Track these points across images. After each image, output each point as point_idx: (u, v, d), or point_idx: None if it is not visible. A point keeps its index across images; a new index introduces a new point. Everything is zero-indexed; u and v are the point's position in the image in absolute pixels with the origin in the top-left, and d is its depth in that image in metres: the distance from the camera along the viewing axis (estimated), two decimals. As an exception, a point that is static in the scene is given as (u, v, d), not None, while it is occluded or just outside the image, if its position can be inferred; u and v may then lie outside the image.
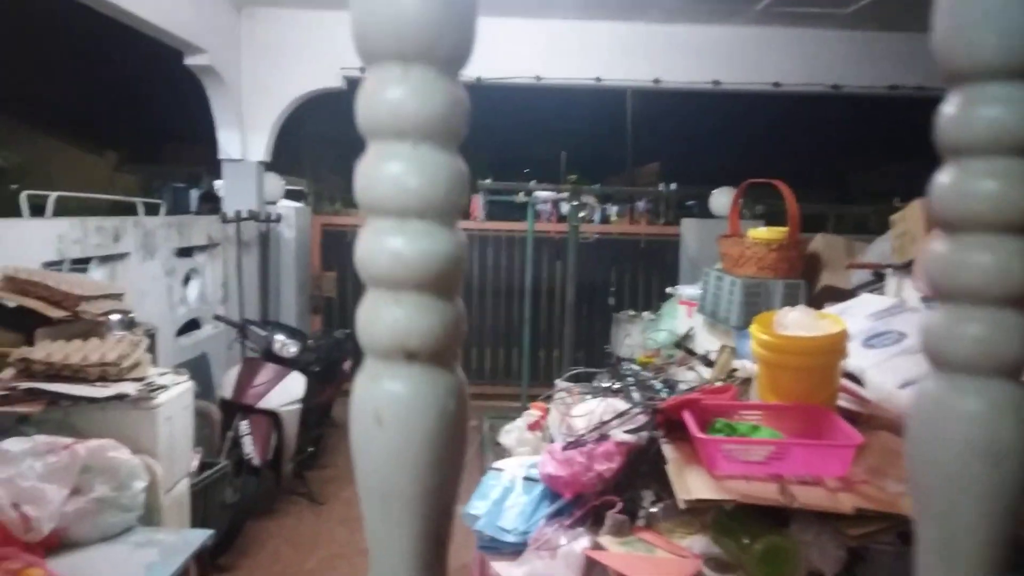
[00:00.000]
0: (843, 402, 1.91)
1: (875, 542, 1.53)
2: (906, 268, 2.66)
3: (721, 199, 5.66)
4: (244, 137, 5.29)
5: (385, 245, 0.24)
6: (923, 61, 5.29)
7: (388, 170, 0.24)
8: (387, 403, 0.23)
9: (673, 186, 5.44)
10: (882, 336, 2.08)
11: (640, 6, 5.00)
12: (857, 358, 2.02)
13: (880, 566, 1.54)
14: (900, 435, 1.74)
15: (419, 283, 0.24)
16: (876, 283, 3.01)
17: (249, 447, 3.57)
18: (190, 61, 4.73)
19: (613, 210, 7.74)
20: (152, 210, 6.49)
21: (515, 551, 1.85)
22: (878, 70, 5.31)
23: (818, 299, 3.04)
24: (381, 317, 0.24)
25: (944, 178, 0.26)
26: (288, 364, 3.98)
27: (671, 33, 5.36)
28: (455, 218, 0.25)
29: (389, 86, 0.24)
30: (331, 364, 4.56)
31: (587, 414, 2.08)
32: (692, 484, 1.66)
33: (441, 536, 0.25)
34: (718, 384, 2.29)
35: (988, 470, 0.26)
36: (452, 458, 0.25)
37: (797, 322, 1.98)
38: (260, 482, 3.65)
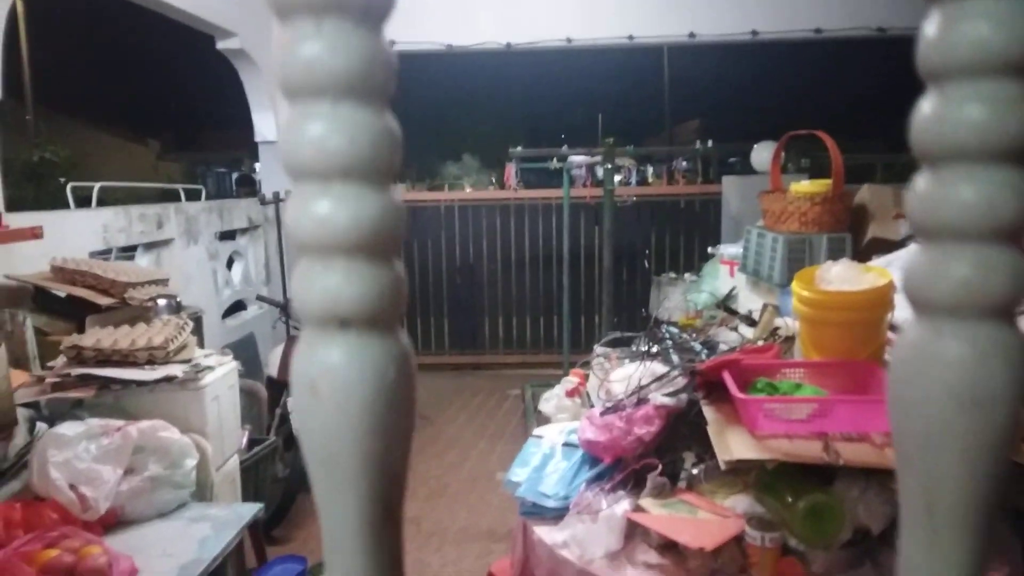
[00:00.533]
0: (891, 357, 1.84)
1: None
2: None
3: (763, 154, 5.49)
4: (278, 119, 5.34)
5: (310, 210, 0.23)
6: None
7: (308, 131, 0.23)
8: (321, 372, 0.23)
9: (710, 143, 5.30)
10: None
11: (670, -42, 4.84)
12: (906, 309, 1.94)
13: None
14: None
15: (348, 248, 0.23)
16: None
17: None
18: (222, 45, 4.76)
19: (650, 171, 7.60)
20: (193, 196, 6.62)
21: (557, 516, 1.85)
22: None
23: (865, 252, 2.93)
24: (312, 285, 0.23)
25: (924, 107, 0.23)
26: (331, 340, 4.04)
27: (704, -16, 5.19)
28: (387, 179, 0.24)
29: (302, 42, 0.23)
30: (374, 339, 4.62)
31: (625, 379, 2.05)
32: (733, 445, 1.62)
33: (389, 501, 0.25)
34: (760, 344, 2.24)
35: (971, 418, 0.24)
36: (395, 424, 0.24)
37: (841, 276, 1.91)
38: (310, 456, 3.74)
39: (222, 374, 2.43)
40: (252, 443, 2.97)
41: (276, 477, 3.37)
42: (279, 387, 3.79)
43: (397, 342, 0.24)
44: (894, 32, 5.15)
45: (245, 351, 4.11)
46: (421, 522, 3.65)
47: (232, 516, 2.06)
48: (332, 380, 0.23)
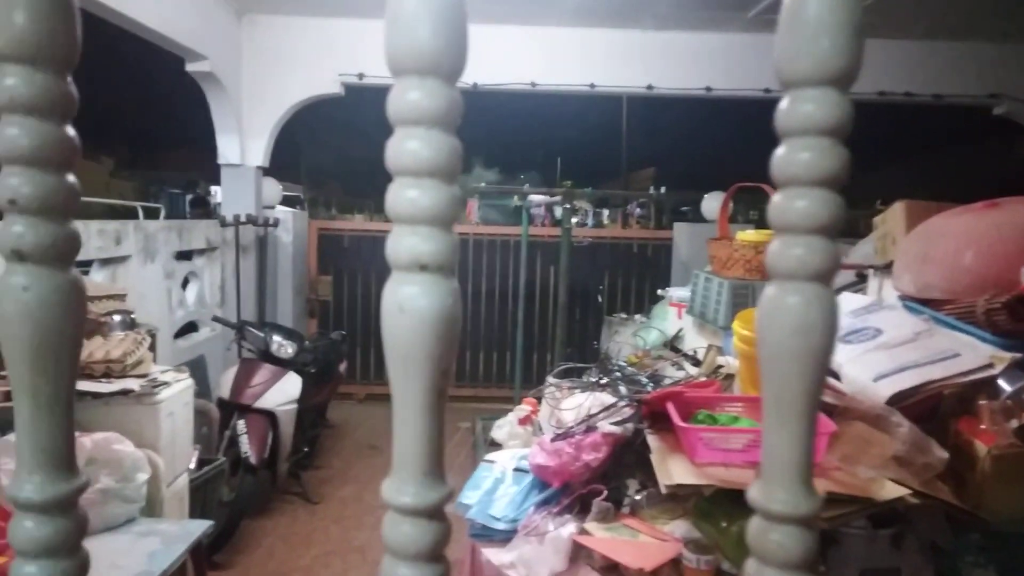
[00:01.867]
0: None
1: (846, 525, 1.61)
2: (887, 268, 2.74)
3: (712, 203, 5.75)
4: (243, 142, 5.37)
5: (405, 195, 0.37)
6: (910, 68, 5.41)
7: (408, 145, 0.36)
8: (406, 298, 0.36)
9: (664, 190, 5.52)
10: (859, 332, 2.15)
11: (634, 14, 5.09)
12: (835, 353, 2.09)
13: (851, 548, 1.61)
14: (873, 425, 1.82)
15: (427, 219, 0.37)
16: (860, 283, 3.09)
17: (246, 446, 3.63)
18: (191, 67, 4.80)
19: (606, 215, 7.84)
20: (151, 214, 6.56)
21: (505, 538, 1.92)
22: (867, 77, 5.36)
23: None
24: (403, 243, 0.36)
25: (778, 153, 0.38)
26: (285, 365, 4.04)
27: (664, 40, 5.46)
28: (453, 177, 0.38)
29: (410, 91, 0.36)
30: (327, 365, 4.63)
31: (576, 407, 2.15)
32: (674, 471, 1.73)
33: (442, 387, 0.39)
34: (702, 379, 2.37)
35: (801, 341, 0.38)
36: (450, 334, 0.38)
37: (777, 319, 2.05)
38: (256, 481, 3.71)
39: (178, 390, 2.44)
40: (201, 463, 2.96)
41: (221, 500, 3.34)
42: (230, 409, 3.77)
43: (453, 283, 0.38)
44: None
45: (195, 373, 4.07)
46: (367, 552, 3.65)
47: (181, 532, 2.06)
48: (413, 303, 0.36)
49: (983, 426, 1.79)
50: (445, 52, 0.36)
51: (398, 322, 0.38)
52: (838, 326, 0.41)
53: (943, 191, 3.24)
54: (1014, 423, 1.76)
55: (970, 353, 1.96)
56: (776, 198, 0.40)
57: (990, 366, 1.90)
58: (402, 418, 0.40)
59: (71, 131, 0.38)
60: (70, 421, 0.40)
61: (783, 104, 0.39)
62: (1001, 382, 1.87)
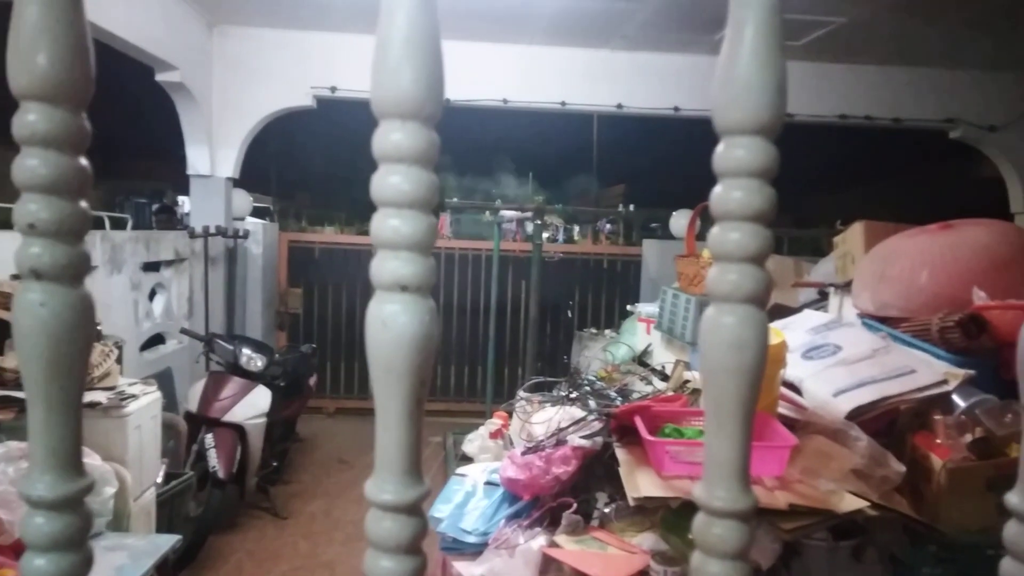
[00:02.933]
0: (783, 409, 2.04)
1: (807, 537, 1.66)
2: (846, 287, 2.83)
3: (680, 221, 5.86)
4: (213, 153, 5.34)
5: (388, 223, 0.41)
6: (870, 92, 5.59)
7: (391, 180, 0.41)
8: (389, 315, 0.41)
9: (633, 208, 5.60)
10: (819, 349, 2.23)
11: (604, 34, 5.19)
12: (796, 369, 2.16)
13: (812, 559, 1.67)
14: (833, 439, 1.88)
15: (408, 246, 0.41)
16: (821, 301, 3.18)
17: (214, 460, 3.60)
18: (161, 78, 4.78)
19: (576, 230, 7.92)
20: (118, 225, 6.48)
21: (476, 551, 1.94)
22: (829, 100, 5.58)
23: (768, 316, 3.20)
24: (386, 266, 0.41)
25: (716, 191, 0.43)
26: (254, 378, 4.01)
27: (634, 60, 5.57)
28: (430, 208, 0.42)
29: (393, 132, 0.41)
30: (297, 379, 4.60)
31: (546, 421, 2.18)
32: (642, 483, 1.77)
33: (420, 396, 0.43)
34: (670, 394, 2.42)
35: (736, 356, 0.43)
36: (427, 347, 0.42)
37: (741, 334, 2.11)
38: (224, 495, 3.67)
39: (146, 403, 2.42)
40: (168, 477, 2.92)
41: (189, 515, 3.30)
42: (198, 422, 3.73)
43: (430, 302, 0.42)
44: (801, 118, 5.64)
45: (162, 385, 4.02)
46: (336, 567, 3.63)
47: (149, 546, 2.05)
48: (395, 320, 0.40)
49: (938, 440, 1.87)
50: (425, 98, 0.40)
51: (381, 337, 0.42)
52: (768, 343, 0.46)
53: (901, 212, 3.36)
54: (968, 437, 1.84)
55: (925, 370, 2.04)
56: (714, 230, 0.46)
57: (944, 382, 1.98)
58: (384, 424, 0.44)
59: (84, 161, 0.41)
60: (79, 425, 0.43)
61: (719, 149, 0.45)
62: (955, 398, 1.95)
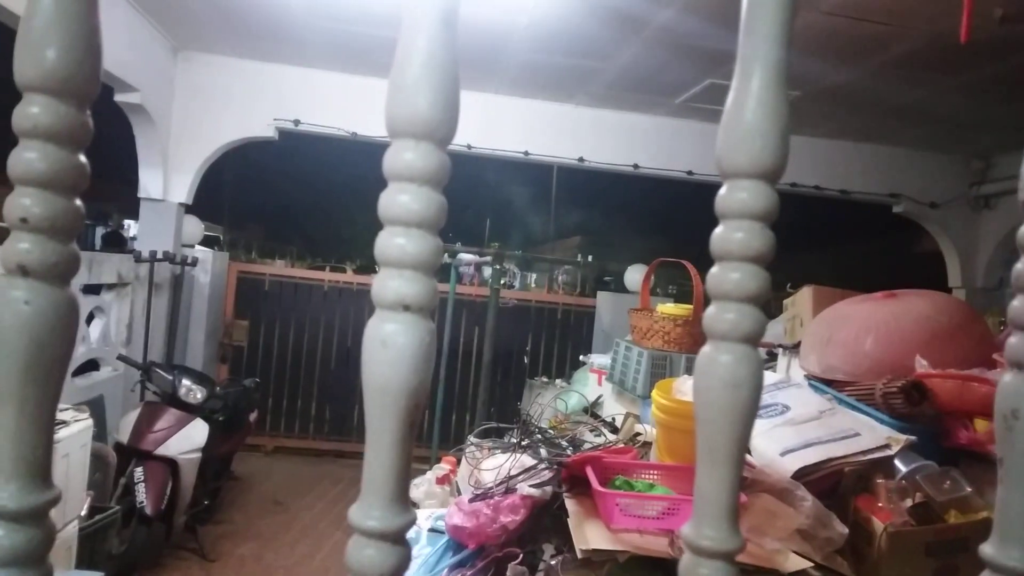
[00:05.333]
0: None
1: (753, 595, 1.65)
2: (795, 348, 2.90)
3: (635, 275, 5.96)
4: (167, 177, 5.24)
5: (394, 241, 0.41)
6: (820, 164, 5.85)
7: (400, 199, 0.41)
8: (389, 334, 0.40)
9: (590, 259, 5.67)
10: (768, 408, 2.26)
11: (568, 89, 5.33)
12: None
13: (757, 617, 1.66)
14: (780, 498, 1.89)
15: (412, 265, 0.41)
16: (769, 361, 3.25)
17: (142, 495, 3.43)
18: (120, 98, 4.70)
19: (533, 279, 7.98)
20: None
21: (416, 601, 1.87)
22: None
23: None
24: (389, 284, 0.40)
25: (716, 232, 0.45)
26: (192, 410, 3.87)
27: (597, 117, 5.72)
28: (437, 229, 0.42)
29: (405, 151, 0.41)
30: (237, 414, 4.45)
31: (495, 468, 2.15)
32: (590, 535, 1.75)
33: (413, 419, 0.42)
34: (620, 446, 2.41)
35: (731, 394, 0.43)
36: (426, 369, 0.41)
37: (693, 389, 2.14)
38: (149, 533, 3.49)
39: (76, 431, 2.31)
40: (93, 511, 2.77)
41: (111, 553, 3.12)
42: (128, 454, 3.56)
43: (431, 323, 0.41)
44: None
45: (93, 414, 3.83)
46: (263, 612, 3.46)
47: (67, 584, 1.92)
48: (394, 339, 0.40)
49: (880, 504, 1.90)
50: (441, 120, 0.40)
51: (379, 356, 0.41)
52: (763, 383, 0.47)
53: (848, 278, 3.49)
54: (908, 502, 1.88)
55: (869, 433, 2.09)
56: (713, 270, 0.47)
57: (887, 447, 2.03)
58: (374, 446, 0.42)
59: (83, 159, 0.40)
60: (51, 434, 0.40)
61: (722, 191, 0.46)
62: (897, 462, 2.00)
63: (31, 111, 0.38)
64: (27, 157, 0.37)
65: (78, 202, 0.39)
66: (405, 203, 0.40)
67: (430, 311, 0.42)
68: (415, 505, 2.46)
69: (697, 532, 0.45)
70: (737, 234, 0.44)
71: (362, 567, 0.42)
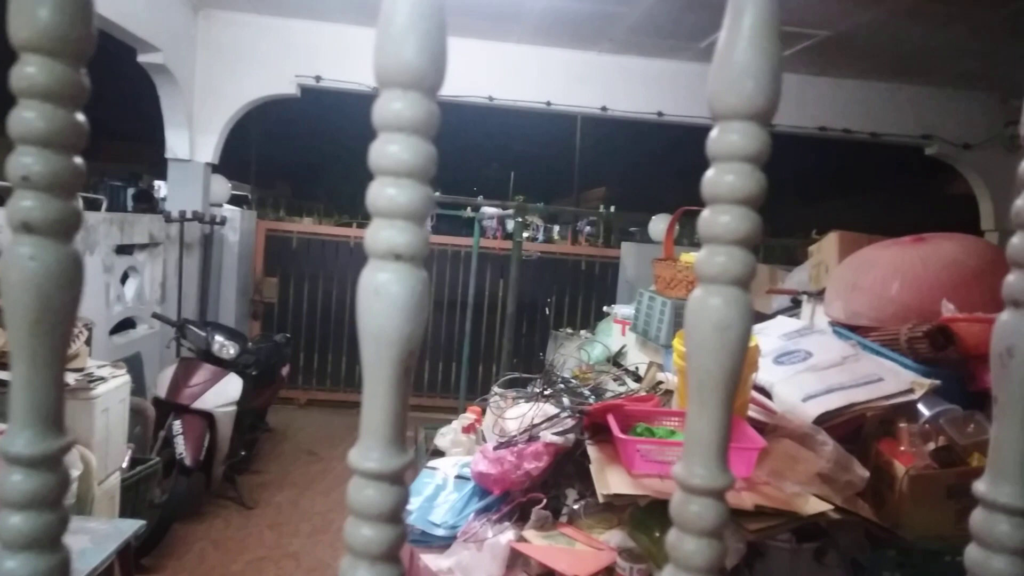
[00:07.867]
0: (753, 412, 2.07)
1: (771, 538, 1.68)
2: (819, 295, 2.88)
3: (659, 225, 5.90)
4: (193, 138, 5.27)
5: (385, 192, 0.42)
6: (849, 106, 5.68)
7: (389, 149, 0.41)
8: (382, 283, 0.41)
9: (613, 209, 5.63)
10: (791, 354, 2.26)
11: (591, 37, 5.21)
12: (767, 373, 2.19)
13: (775, 560, 1.69)
14: (801, 443, 1.91)
15: (403, 215, 0.42)
16: (794, 308, 3.23)
17: (181, 447, 3.55)
18: (143, 59, 4.71)
19: (556, 231, 7.95)
20: (91, 205, 6.36)
21: (444, 544, 1.94)
22: (808, 112, 5.65)
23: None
24: (380, 234, 0.42)
25: (708, 174, 0.45)
26: (226, 365, 3.97)
27: (620, 64, 5.60)
28: (427, 179, 0.43)
29: (394, 101, 0.41)
30: (269, 368, 4.56)
31: (519, 417, 2.19)
32: (612, 481, 1.78)
33: (408, 365, 0.44)
34: (643, 394, 2.44)
35: (720, 336, 0.44)
36: (418, 316, 0.43)
37: (716, 338, 2.14)
38: (190, 483, 3.63)
39: (114, 387, 2.39)
40: (134, 462, 2.88)
41: (153, 502, 3.26)
42: (166, 408, 3.68)
43: (423, 272, 0.43)
44: (781, 129, 5.70)
45: (131, 370, 3.96)
46: (301, 558, 3.60)
47: (112, 531, 2.02)
48: (387, 288, 0.41)
49: (902, 448, 1.91)
50: (428, 69, 0.41)
51: (373, 305, 0.42)
52: (752, 325, 0.48)
53: (876, 224, 3.43)
54: (931, 446, 1.88)
55: (893, 378, 2.08)
56: (704, 213, 0.47)
57: (911, 391, 2.02)
58: (371, 391, 0.44)
59: (81, 117, 0.41)
60: (61, 383, 0.43)
61: (713, 133, 0.46)
62: (920, 407, 1.99)
63: (27, 71, 0.39)
64: (26, 116, 0.38)
65: (78, 160, 0.41)
66: (395, 153, 0.40)
67: (422, 260, 0.43)
68: (441, 453, 2.52)
69: (688, 470, 0.47)
70: (728, 176, 0.44)
71: (362, 506, 0.44)
